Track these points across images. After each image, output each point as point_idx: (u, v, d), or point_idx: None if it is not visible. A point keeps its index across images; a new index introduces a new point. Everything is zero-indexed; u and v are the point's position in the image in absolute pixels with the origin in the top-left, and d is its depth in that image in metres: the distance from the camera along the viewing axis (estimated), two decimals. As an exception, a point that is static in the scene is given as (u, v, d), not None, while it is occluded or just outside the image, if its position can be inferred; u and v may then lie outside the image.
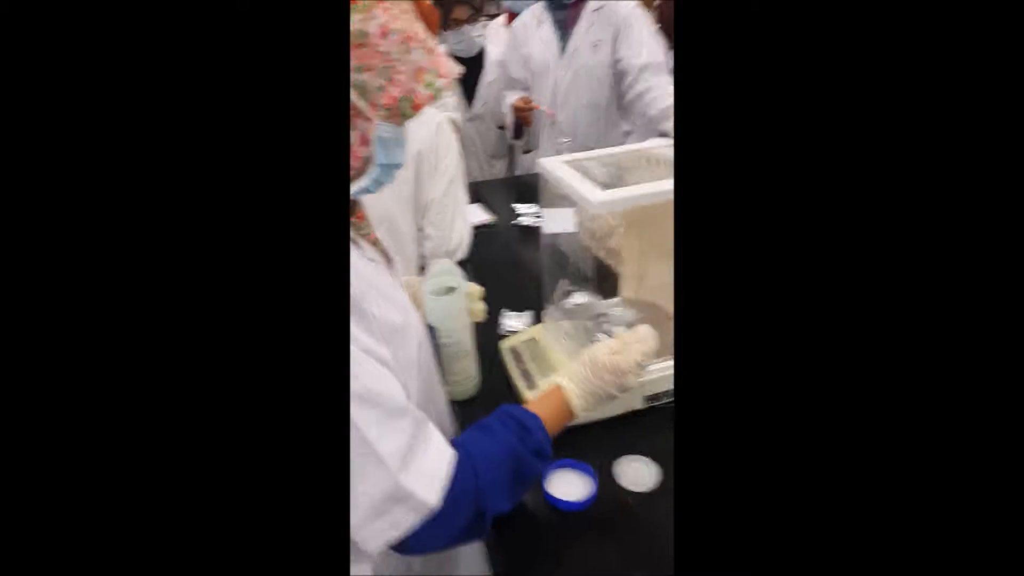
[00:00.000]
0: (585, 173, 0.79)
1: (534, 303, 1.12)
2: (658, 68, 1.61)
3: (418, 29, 0.57)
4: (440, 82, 0.57)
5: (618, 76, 1.68)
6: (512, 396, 0.89)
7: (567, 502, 0.71)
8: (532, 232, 1.46)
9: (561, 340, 0.90)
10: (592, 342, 0.88)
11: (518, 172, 2.05)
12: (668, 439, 0.81)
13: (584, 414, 0.67)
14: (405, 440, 0.53)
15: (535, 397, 0.81)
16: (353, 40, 0.51)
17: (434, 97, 0.57)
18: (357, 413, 0.50)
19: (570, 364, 0.69)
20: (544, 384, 0.83)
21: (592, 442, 0.79)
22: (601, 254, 1.22)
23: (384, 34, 0.52)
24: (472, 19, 1.70)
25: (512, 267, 1.33)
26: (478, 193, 1.64)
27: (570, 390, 0.66)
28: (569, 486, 0.73)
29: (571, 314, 0.95)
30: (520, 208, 1.57)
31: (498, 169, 2.07)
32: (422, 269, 1.20)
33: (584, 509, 0.71)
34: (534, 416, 0.64)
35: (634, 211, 0.78)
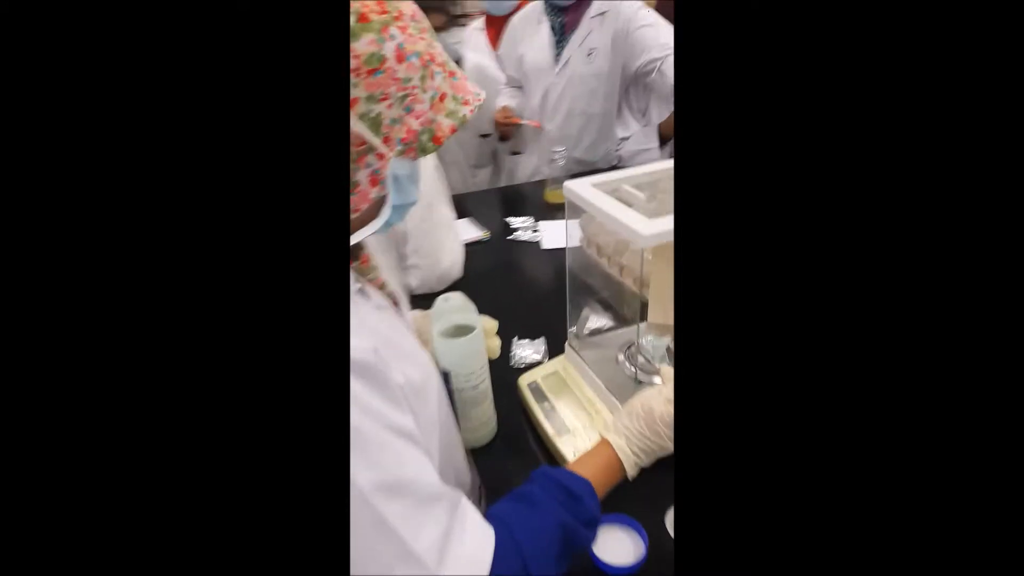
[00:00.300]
0: (620, 197, 0.72)
1: (546, 328, 1.04)
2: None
3: (438, 50, 0.49)
4: (464, 110, 0.49)
5: (634, 75, 1.60)
6: (535, 439, 0.81)
7: (617, 567, 0.63)
8: (531, 248, 1.39)
9: (589, 374, 0.82)
10: (627, 376, 0.82)
11: (503, 181, 1.97)
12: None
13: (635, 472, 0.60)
14: (441, 530, 0.45)
15: (566, 443, 0.74)
16: (365, 65, 0.42)
17: (456, 128, 0.49)
18: (385, 506, 0.42)
19: (620, 416, 0.62)
20: (582, 434, 0.75)
21: (634, 489, 0.72)
22: (614, 271, 1.15)
23: (402, 57, 0.44)
24: (447, 26, 1.61)
25: (514, 288, 1.25)
26: (464, 206, 1.55)
27: (622, 448, 0.59)
28: (617, 545, 0.66)
29: (597, 344, 0.88)
30: (514, 221, 1.49)
31: (481, 179, 1.99)
32: (413, 299, 1.11)
33: (634, 572, 0.64)
34: (583, 481, 0.56)
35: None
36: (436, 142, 0.48)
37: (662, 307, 0.92)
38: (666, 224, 0.62)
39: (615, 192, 0.74)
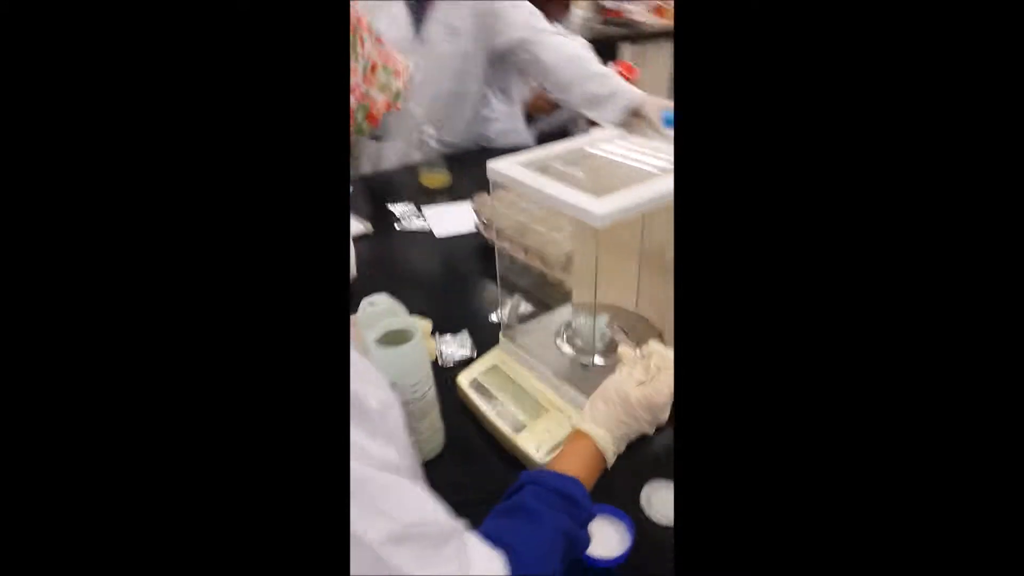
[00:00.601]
0: (555, 176, 0.68)
1: (465, 321, 0.99)
2: (542, 31, 1.49)
3: (363, 12, 0.42)
4: (396, 84, 0.43)
5: (500, 54, 1.55)
6: (485, 440, 0.76)
7: (605, 560, 0.61)
8: (422, 237, 1.31)
9: (532, 363, 0.78)
10: (570, 360, 0.79)
11: (367, 169, 1.84)
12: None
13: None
14: (454, 567, 0.40)
15: (526, 440, 0.71)
16: None
17: (391, 105, 0.42)
18: (398, 557, 0.37)
19: (595, 405, 0.59)
20: (539, 428, 0.72)
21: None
22: (518, 254, 1.11)
23: None
24: None
25: (416, 281, 1.17)
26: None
27: (603, 438, 0.57)
28: (602, 537, 0.64)
29: (531, 331, 0.84)
30: (396, 209, 1.39)
31: (342, 167, 1.84)
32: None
33: (618, 565, 0.62)
34: (574, 481, 0.53)
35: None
36: (371, 121, 0.41)
37: (588, 286, 0.91)
38: (617, 202, 0.59)
39: (546, 171, 0.70)
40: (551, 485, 0.52)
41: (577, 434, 0.58)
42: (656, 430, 0.59)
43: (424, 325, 0.71)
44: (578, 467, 0.55)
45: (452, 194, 1.50)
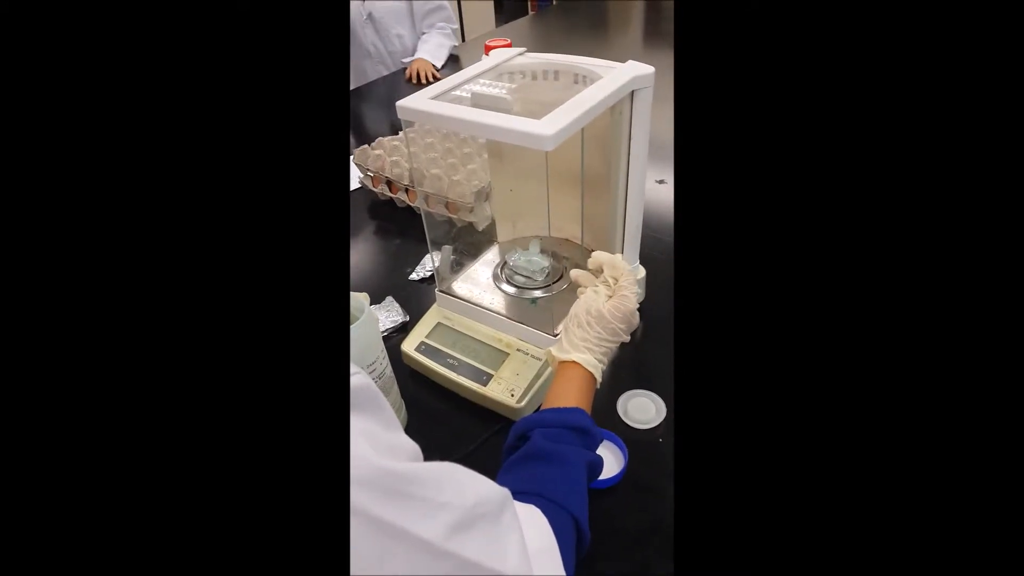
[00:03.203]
0: (478, 103, 0.62)
1: (383, 285, 0.91)
2: None
3: None
4: None
5: None
6: (449, 404, 0.71)
7: (602, 480, 0.61)
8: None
9: (477, 311, 0.74)
10: (515, 298, 0.75)
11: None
12: (660, 367, 0.76)
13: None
14: (516, 537, 0.37)
15: (497, 389, 0.67)
16: None
17: None
18: (466, 546, 0.33)
19: (571, 331, 0.57)
20: (506, 372, 0.68)
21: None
22: (419, 203, 1.04)
23: None
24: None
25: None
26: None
27: (589, 362, 0.55)
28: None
29: (465, 279, 0.79)
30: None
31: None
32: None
33: (613, 484, 0.62)
34: (581, 413, 0.52)
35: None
36: None
37: (510, 220, 0.87)
38: (560, 120, 0.55)
39: (460, 100, 0.64)
40: (559, 422, 0.50)
41: (565, 365, 0.56)
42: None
43: (361, 297, 0.63)
44: (576, 397, 0.54)
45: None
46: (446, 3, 1.87)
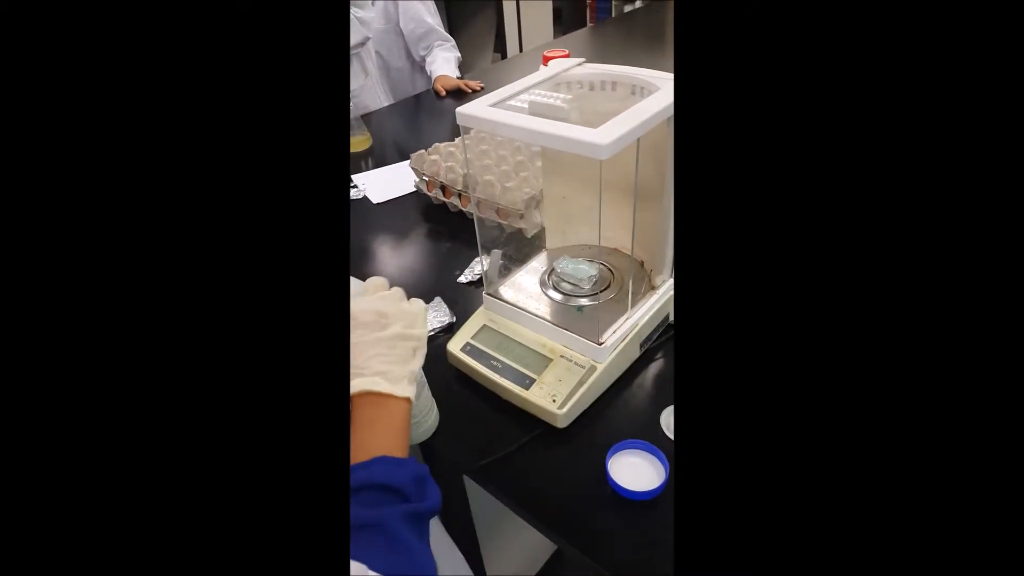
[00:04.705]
0: (537, 111, 0.63)
1: (434, 288, 0.93)
2: None
3: None
4: None
5: None
6: (491, 406, 0.72)
7: (642, 493, 0.60)
8: (359, 206, 1.21)
9: (523, 315, 0.75)
10: (560, 305, 0.76)
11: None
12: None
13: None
14: None
15: (539, 394, 0.67)
16: None
17: None
18: None
19: (362, 358, 0.50)
20: (548, 377, 0.68)
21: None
22: (472, 208, 1.06)
23: None
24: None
25: (366, 256, 1.09)
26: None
27: (379, 384, 0.49)
28: (639, 470, 0.63)
29: (512, 285, 0.80)
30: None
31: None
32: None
33: (656, 496, 0.61)
34: (383, 464, 0.44)
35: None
36: None
37: (560, 228, 0.87)
38: (616, 130, 0.55)
39: (520, 110, 0.65)
40: (363, 483, 0.42)
41: (364, 397, 0.48)
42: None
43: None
44: (382, 436, 0.46)
45: (376, 157, 1.40)
46: (435, 25, 1.84)
